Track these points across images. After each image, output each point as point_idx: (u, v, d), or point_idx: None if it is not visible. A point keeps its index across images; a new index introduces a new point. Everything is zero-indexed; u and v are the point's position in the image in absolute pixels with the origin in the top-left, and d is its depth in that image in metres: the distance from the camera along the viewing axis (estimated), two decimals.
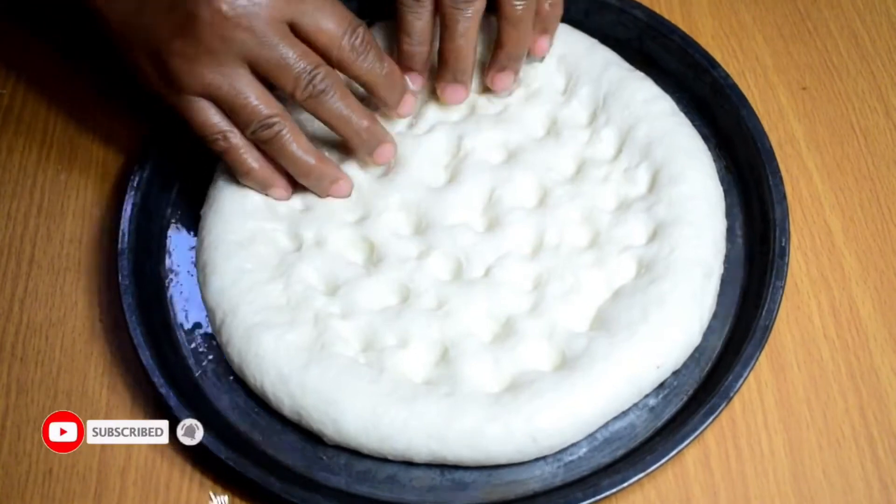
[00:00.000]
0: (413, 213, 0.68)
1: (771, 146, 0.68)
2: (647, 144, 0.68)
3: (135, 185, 0.69)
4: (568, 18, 0.74)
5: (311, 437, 0.62)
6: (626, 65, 0.72)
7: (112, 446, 0.63)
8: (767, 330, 0.62)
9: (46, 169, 0.74)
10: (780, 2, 0.78)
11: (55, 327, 0.68)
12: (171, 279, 0.68)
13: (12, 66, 0.79)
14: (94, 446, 0.63)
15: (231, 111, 0.64)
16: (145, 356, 0.63)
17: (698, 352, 0.63)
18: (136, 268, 0.66)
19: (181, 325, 0.67)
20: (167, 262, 0.69)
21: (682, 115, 0.70)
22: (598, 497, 0.58)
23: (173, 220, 0.71)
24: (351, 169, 0.69)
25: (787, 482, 0.60)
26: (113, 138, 0.75)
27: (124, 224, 0.67)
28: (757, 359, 0.61)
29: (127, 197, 0.68)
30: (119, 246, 0.66)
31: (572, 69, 0.72)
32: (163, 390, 0.62)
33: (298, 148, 0.66)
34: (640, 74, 0.72)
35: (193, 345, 0.66)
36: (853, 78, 0.74)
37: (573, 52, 0.72)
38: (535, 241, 0.66)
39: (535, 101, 0.72)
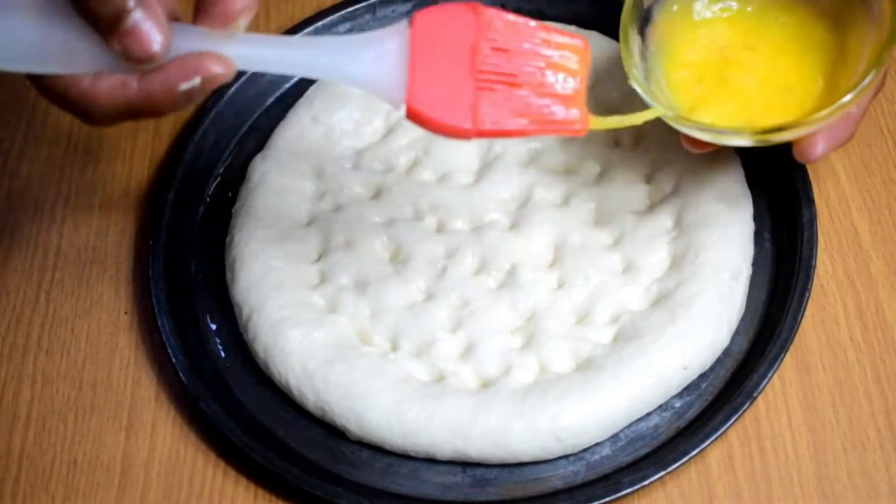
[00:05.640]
0: (441, 213, 0.68)
1: None
2: (673, 148, 0.68)
3: (168, 182, 0.69)
4: (599, 26, 0.74)
5: (334, 432, 0.62)
6: None
7: (136, 438, 0.64)
8: (793, 331, 0.62)
9: (74, 161, 0.74)
10: None
11: (81, 319, 0.68)
12: (201, 276, 0.69)
13: None
14: (118, 437, 0.64)
15: None
16: (173, 351, 0.63)
17: (723, 353, 0.63)
18: (167, 263, 0.67)
19: (209, 320, 0.67)
20: (198, 258, 0.69)
21: None
22: (620, 495, 0.58)
23: (205, 217, 0.71)
24: (383, 175, 0.70)
25: (811, 484, 0.60)
26: (141, 132, 0.75)
27: (157, 220, 0.68)
28: (782, 360, 0.61)
29: (161, 193, 0.69)
30: (151, 242, 0.67)
31: (601, 72, 0.72)
32: (189, 385, 0.62)
33: None
34: None
35: (221, 340, 0.66)
36: None
37: (603, 56, 0.72)
38: (560, 240, 0.66)
39: None
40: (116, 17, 0.44)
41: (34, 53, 0.46)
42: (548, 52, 0.52)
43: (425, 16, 0.50)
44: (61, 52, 0.46)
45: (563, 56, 0.52)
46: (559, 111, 0.52)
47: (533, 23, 0.52)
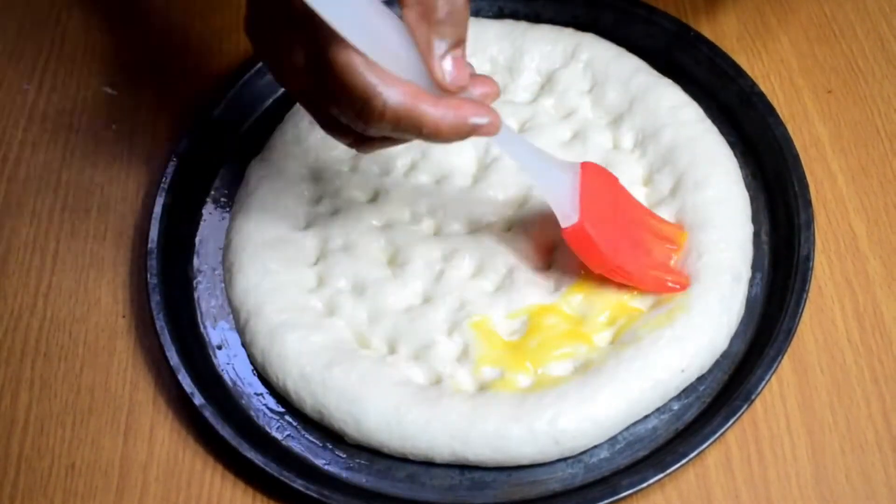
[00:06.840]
0: (439, 216, 0.68)
1: (797, 153, 0.68)
2: (672, 150, 0.68)
3: (165, 185, 0.69)
4: (596, 29, 0.74)
5: (332, 436, 0.62)
6: (654, 72, 0.72)
7: (134, 441, 0.63)
8: (791, 333, 0.62)
9: (71, 165, 0.74)
10: (806, 4, 0.78)
11: (78, 323, 0.68)
12: (199, 279, 0.69)
13: (38, 61, 0.79)
14: (116, 441, 0.64)
15: None
16: (171, 355, 0.63)
17: (721, 355, 0.63)
18: (164, 267, 0.67)
19: (206, 324, 0.67)
20: (195, 261, 0.69)
21: (709, 121, 0.70)
22: (618, 497, 0.58)
23: (202, 220, 0.71)
24: (381, 178, 0.70)
25: (810, 486, 0.60)
26: (138, 136, 0.75)
27: (154, 223, 0.68)
28: (780, 362, 0.61)
29: (157, 196, 0.69)
30: (148, 245, 0.67)
31: (599, 74, 0.72)
32: (188, 388, 0.62)
33: None
34: (667, 81, 0.72)
35: (218, 343, 0.66)
36: (879, 81, 0.74)
37: (601, 58, 0.73)
38: (558, 242, 0.66)
39: (561, 106, 0.72)
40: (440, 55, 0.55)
41: (377, 39, 0.53)
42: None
43: (589, 165, 0.63)
44: (396, 51, 0.54)
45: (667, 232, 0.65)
46: (667, 279, 0.64)
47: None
